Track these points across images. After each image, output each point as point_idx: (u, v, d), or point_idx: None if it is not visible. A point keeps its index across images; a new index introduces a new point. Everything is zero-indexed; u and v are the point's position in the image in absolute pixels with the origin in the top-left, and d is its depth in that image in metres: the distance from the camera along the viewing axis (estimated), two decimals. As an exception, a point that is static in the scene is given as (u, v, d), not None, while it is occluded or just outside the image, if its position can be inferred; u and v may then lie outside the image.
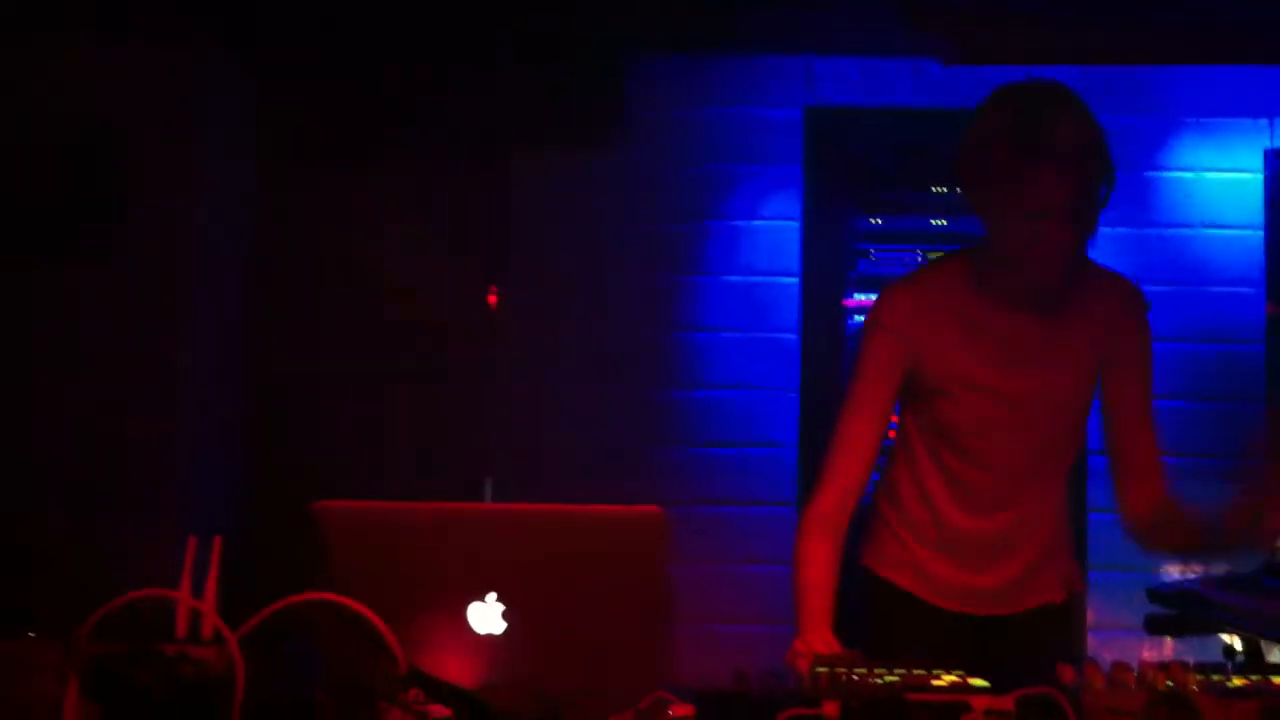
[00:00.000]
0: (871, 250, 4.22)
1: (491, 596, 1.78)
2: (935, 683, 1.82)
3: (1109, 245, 4.10)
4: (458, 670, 1.78)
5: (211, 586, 1.72)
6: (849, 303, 4.19)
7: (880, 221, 4.23)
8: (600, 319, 4.15)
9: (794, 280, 4.19)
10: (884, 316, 2.34)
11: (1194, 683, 1.81)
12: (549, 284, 4.13)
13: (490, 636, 1.78)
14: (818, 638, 2.21)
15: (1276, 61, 4.07)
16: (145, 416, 3.35)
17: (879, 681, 1.74)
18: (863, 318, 4.14)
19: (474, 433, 4.00)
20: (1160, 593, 2.89)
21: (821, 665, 1.93)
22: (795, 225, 4.19)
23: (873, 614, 2.42)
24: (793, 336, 4.18)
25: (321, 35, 3.63)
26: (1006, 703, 1.76)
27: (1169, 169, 4.14)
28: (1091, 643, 3.88)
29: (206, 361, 3.64)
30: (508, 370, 4.09)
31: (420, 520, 1.82)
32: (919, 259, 4.20)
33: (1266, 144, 4.11)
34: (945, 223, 4.17)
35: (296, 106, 3.80)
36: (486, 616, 1.78)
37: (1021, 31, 3.78)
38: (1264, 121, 4.14)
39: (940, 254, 4.13)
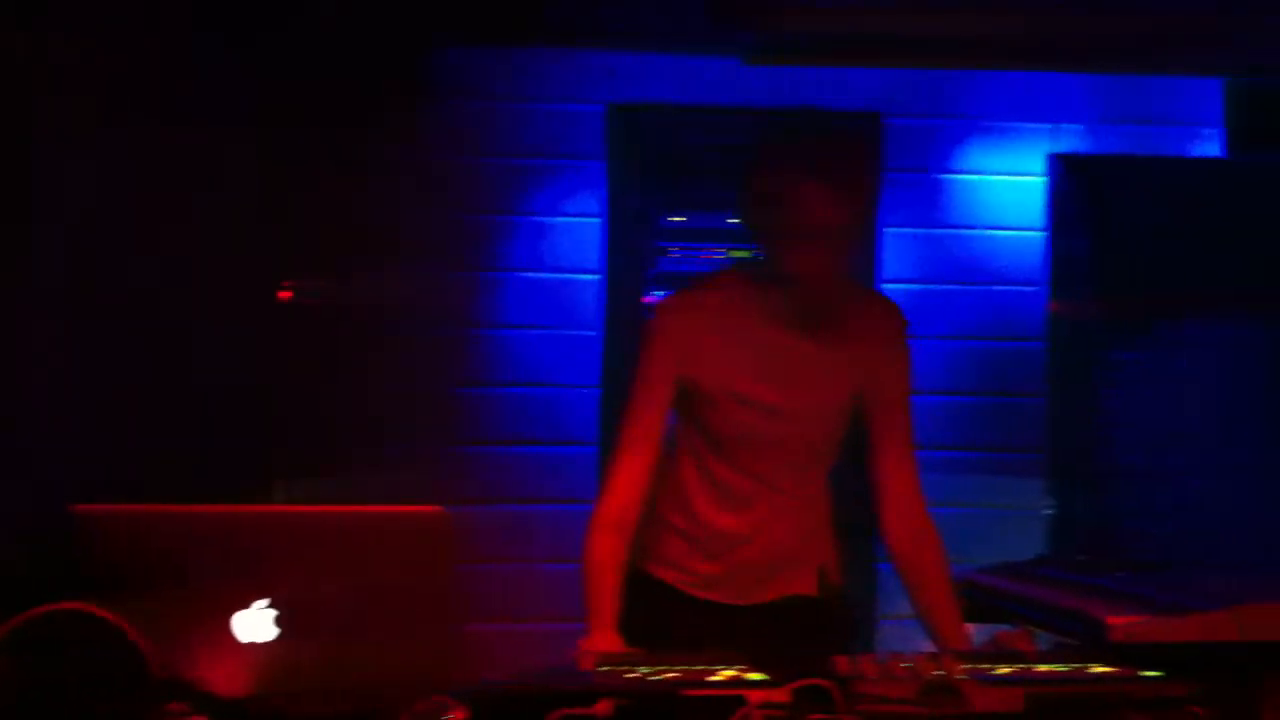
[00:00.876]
0: (674, 248, 4.25)
1: (264, 602, 1.73)
2: (712, 678, 1.84)
3: (901, 245, 4.24)
4: (230, 679, 1.72)
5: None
6: (650, 300, 4.22)
7: (684, 219, 4.26)
8: (401, 313, 4.09)
9: (596, 278, 4.19)
10: (658, 326, 2.43)
11: (962, 671, 1.87)
12: (346, 276, 4.05)
13: (263, 643, 1.73)
14: (602, 637, 2.24)
15: (1058, 68, 4.23)
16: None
17: (654, 678, 1.75)
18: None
19: (264, 433, 3.89)
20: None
21: (604, 664, 1.94)
22: (598, 222, 4.19)
23: (639, 608, 2.44)
24: (595, 334, 4.18)
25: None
26: (782, 695, 1.78)
27: (958, 171, 4.27)
28: (883, 632, 3.99)
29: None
30: (302, 368, 3.98)
31: (190, 523, 1.76)
32: (721, 256, 4.25)
33: (1049, 148, 4.27)
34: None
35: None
36: (259, 623, 1.73)
37: (820, 32, 3.85)
38: (1047, 127, 4.30)
39: (742, 255, 4.31)
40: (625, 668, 1.87)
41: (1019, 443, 4.24)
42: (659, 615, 2.48)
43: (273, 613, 1.73)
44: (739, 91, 4.17)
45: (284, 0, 3.55)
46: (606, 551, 2.37)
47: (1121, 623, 2.05)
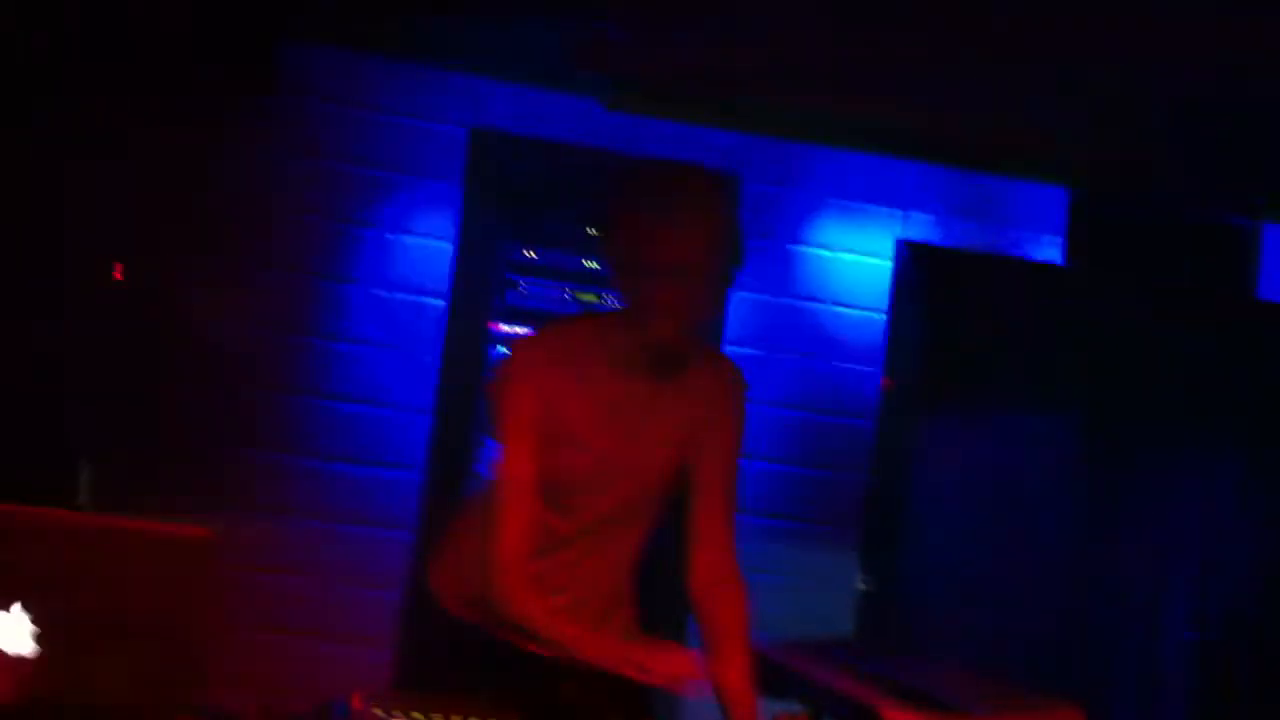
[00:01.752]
0: (521, 282, 4.22)
1: (17, 607, 1.65)
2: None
3: (749, 310, 4.28)
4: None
5: None
6: (494, 327, 4.18)
7: (534, 255, 4.24)
8: (234, 314, 3.98)
9: (440, 302, 4.14)
10: (515, 370, 2.42)
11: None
12: (181, 271, 3.93)
13: (17, 651, 1.65)
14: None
15: (908, 156, 4.32)
16: None
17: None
18: (506, 348, 4.19)
19: (83, 431, 3.75)
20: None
21: (376, 705, 1.89)
22: (448, 246, 4.14)
23: (449, 650, 2.40)
24: (432, 358, 4.13)
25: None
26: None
27: (810, 244, 4.33)
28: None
29: None
30: (129, 364, 3.85)
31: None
32: (567, 296, 4.24)
33: (899, 233, 4.36)
34: (596, 265, 4.22)
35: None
36: (12, 630, 1.65)
37: (679, 88, 3.88)
38: (898, 212, 4.39)
39: (588, 298, 4.32)
40: (391, 709, 1.83)
41: (838, 517, 4.30)
42: (476, 664, 2.43)
43: (28, 619, 1.65)
44: (602, 135, 4.17)
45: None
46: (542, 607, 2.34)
47: (896, 718, 2.08)
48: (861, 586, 4.25)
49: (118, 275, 3.90)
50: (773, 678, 2.63)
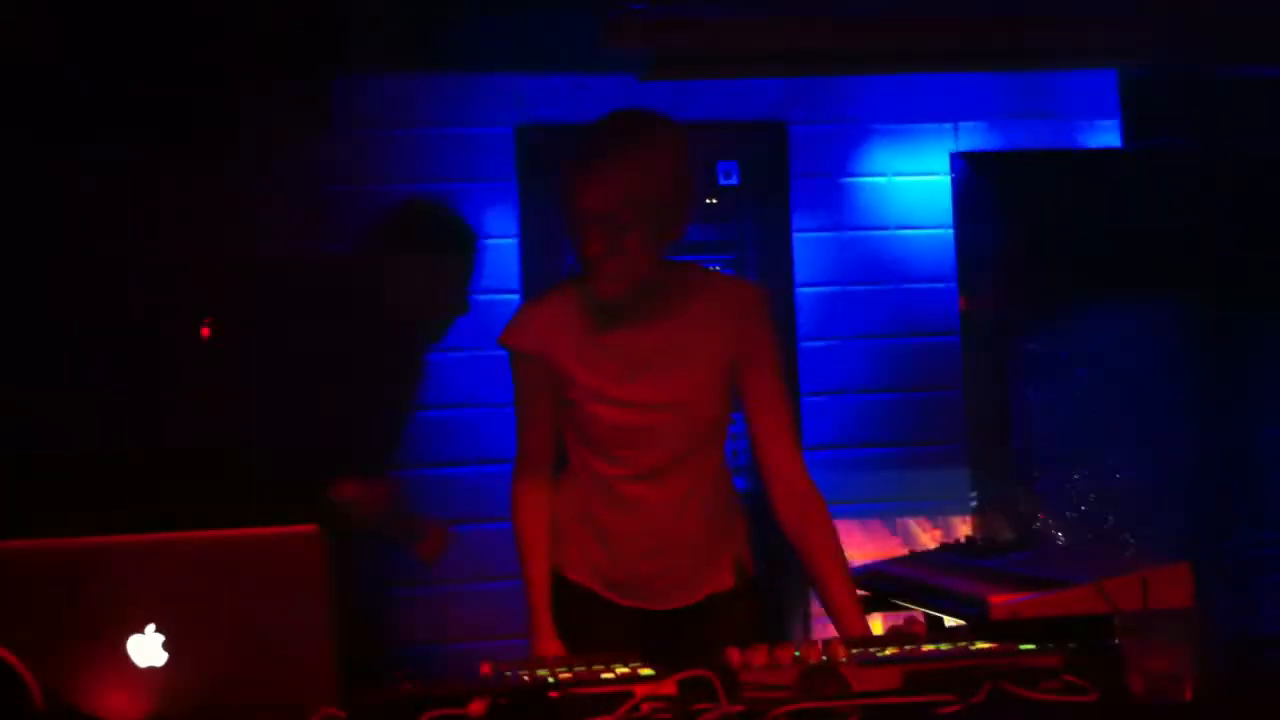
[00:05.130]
0: (589, 264, 4.29)
1: (150, 628, 1.76)
2: (604, 675, 1.89)
3: (812, 249, 4.31)
4: (122, 704, 1.75)
5: None
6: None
7: (597, 235, 4.30)
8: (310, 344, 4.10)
9: (515, 297, 4.23)
10: (510, 340, 2.54)
11: (845, 655, 1.92)
12: (265, 308, 4.06)
13: (152, 668, 1.76)
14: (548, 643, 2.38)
15: (959, 68, 4.31)
16: None
17: (539, 678, 1.79)
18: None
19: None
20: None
21: (502, 667, 1.98)
22: (513, 242, 4.23)
23: (566, 615, 2.48)
24: (516, 353, 4.21)
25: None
26: (668, 687, 1.83)
27: (862, 174, 4.34)
28: (816, 626, 4.04)
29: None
30: (227, 397, 3.99)
31: (72, 555, 1.78)
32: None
33: (952, 147, 4.35)
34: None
35: None
36: (147, 648, 1.76)
37: (716, 45, 3.92)
38: (949, 126, 4.38)
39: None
40: (520, 669, 1.91)
41: (939, 436, 4.31)
42: (583, 623, 2.51)
43: (160, 638, 1.76)
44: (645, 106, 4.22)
45: (182, 32, 3.57)
46: (533, 517, 2.53)
47: (1002, 601, 2.12)
48: (973, 503, 4.26)
49: (205, 333, 4.04)
50: (891, 589, 2.68)
